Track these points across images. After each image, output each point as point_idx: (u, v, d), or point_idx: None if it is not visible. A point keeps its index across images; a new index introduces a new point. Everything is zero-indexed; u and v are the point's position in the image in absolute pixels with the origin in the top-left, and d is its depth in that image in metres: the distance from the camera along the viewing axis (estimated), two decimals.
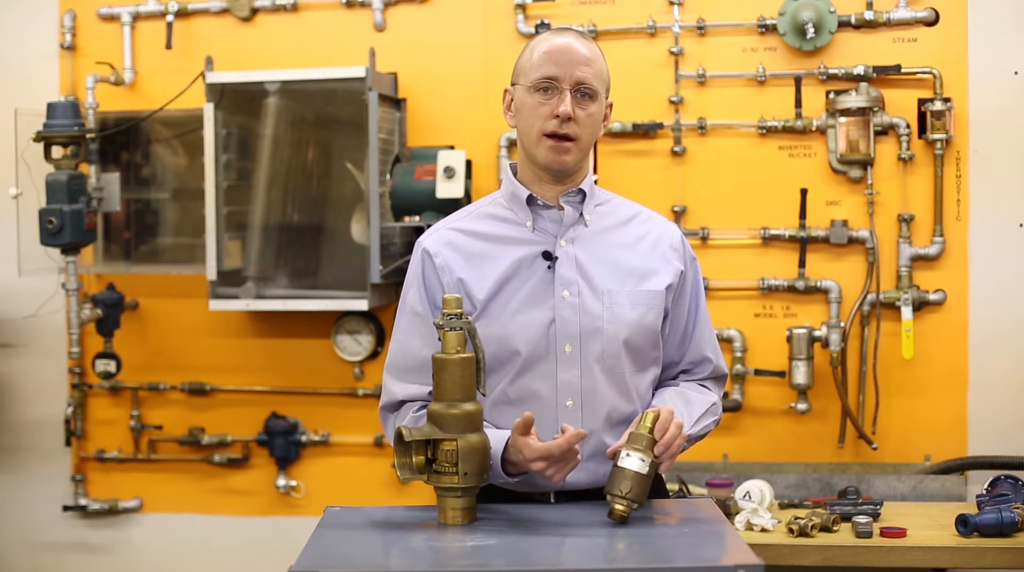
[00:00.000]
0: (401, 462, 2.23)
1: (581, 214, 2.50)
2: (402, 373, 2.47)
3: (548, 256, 2.44)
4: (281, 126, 4.05)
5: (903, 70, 3.84)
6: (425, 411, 2.31)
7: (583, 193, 2.50)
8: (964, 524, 3.28)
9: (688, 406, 2.49)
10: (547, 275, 2.44)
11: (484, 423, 2.33)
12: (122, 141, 4.22)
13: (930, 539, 3.30)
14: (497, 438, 2.33)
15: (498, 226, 2.50)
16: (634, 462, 2.24)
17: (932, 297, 3.87)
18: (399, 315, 2.52)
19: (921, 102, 3.84)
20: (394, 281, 3.99)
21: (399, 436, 2.21)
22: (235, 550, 4.28)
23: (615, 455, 2.28)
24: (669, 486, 3.07)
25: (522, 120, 2.46)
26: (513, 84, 2.51)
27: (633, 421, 2.38)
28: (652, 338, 2.49)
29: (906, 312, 3.84)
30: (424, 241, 2.51)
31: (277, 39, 4.20)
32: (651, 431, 2.27)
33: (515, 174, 2.53)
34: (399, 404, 2.48)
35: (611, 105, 2.53)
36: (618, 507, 2.23)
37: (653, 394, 2.55)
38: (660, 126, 3.97)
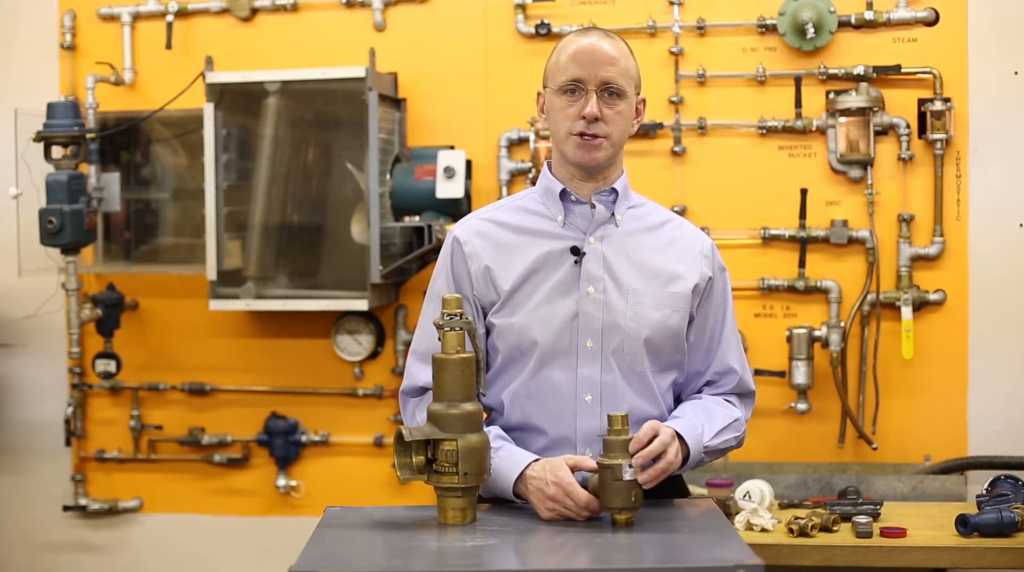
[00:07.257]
0: (401, 462, 2.23)
1: (613, 213, 2.51)
2: (425, 357, 2.46)
3: (576, 251, 2.46)
4: (281, 126, 4.05)
5: (903, 70, 3.84)
6: None
7: (616, 192, 2.52)
8: (964, 524, 3.28)
9: (710, 418, 2.48)
10: (574, 270, 2.46)
11: (495, 434, 2.33)
12: (122, 141, 4.21)
13: (930, 539, 3.30)
14: (518, 458, 2.35)
15: (529, 219, 2.52)
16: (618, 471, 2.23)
17: (932, 297, 3.87)
18: (426, 301, 2.54)
19: (921, 102, 3.84)
20: (394, 281, 3.99)
21: (399, 436, 2.21)
22: (235, 550, 4.28)
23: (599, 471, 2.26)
24: None
25: (552, 122, 2.49)
26: (544, 87, 2.53)
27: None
28: (675, 341, 2.49)
29: (906, 312, 3.84)
30: (455, 230, 2.54)
31: (277, 39, 4.19)
32: (622, 431, 2.25)
33: (551, 171, 2.55)
34: (420, 390, 2.49)
35: (644, 101, 2.54)
36: (619, 517, 2.23)
37: (675, 400, 2.55)
38: (660, 126, 3.97)
